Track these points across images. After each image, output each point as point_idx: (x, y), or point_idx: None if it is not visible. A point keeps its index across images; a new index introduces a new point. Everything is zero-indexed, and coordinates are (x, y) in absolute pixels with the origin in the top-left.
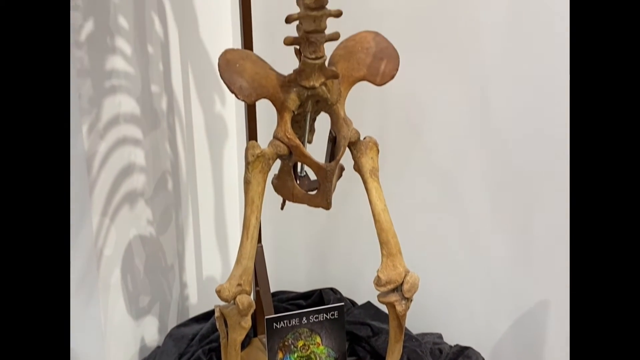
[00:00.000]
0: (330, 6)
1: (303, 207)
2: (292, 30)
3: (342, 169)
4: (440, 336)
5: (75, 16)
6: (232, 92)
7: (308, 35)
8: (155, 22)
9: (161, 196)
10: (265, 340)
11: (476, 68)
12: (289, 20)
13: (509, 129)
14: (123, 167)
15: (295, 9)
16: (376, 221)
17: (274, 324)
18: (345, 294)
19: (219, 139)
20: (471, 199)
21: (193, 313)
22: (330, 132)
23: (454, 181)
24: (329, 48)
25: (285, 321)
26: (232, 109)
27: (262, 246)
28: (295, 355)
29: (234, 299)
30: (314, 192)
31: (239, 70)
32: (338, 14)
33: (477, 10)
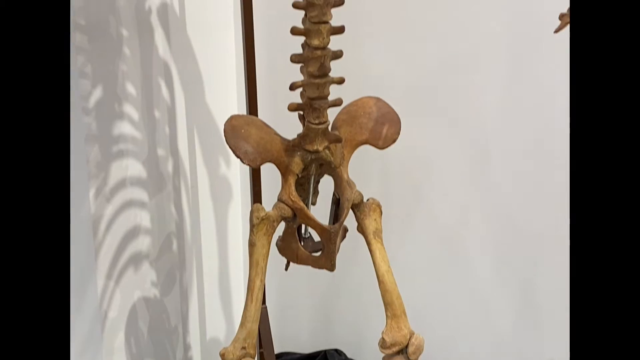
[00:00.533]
0: (333, 73)
1: (307, 268)
2: (296, 96)
3: (345, 230)
4: None
5: (83, 84)
6: (238, 157)
7: (312, 101)
8: (162, 87)
9: (166, 258)
10: None
11: (476, 130)
12: (293, 87)
13: (510, 188)
14: (129, 229)
15: (299, 76)
16: (380, 282)
17: None
18: (349, 355)
19: (223, 201)
20: (474, 258)
21: None
22: (334, 194)
23: (457, 241)
24: (331, 113)
25: None
26: (237, 170)
27: (266, 307)
28: None
29: None
30: (318, 254)
31: (245, 136)
32: (341, 81)
33: (476, 73)
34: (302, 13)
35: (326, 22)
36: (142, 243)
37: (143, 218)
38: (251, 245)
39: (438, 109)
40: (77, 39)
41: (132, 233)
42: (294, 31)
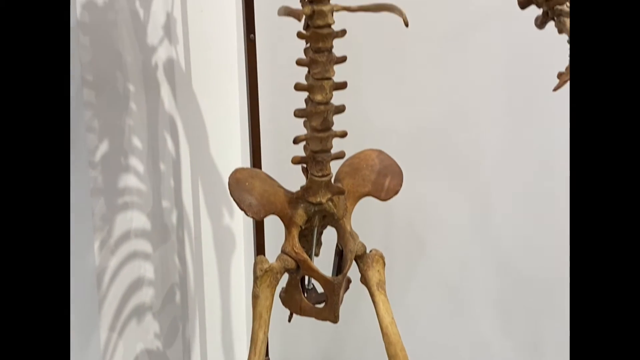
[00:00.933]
0: (335, 126)
1: (310, 320)
2: (299, 150)
3: (349, 281)
4: None
5: (90, 138)
6: (242, 209)
7: (315, 154)
8: (168, 141)
9: (168, 309)
10: None
11: (477, 181)
12: (296, 141)
13: (512, 239)
14: (132, 281)
15: (302, 129)
16: (384, 334)
17: None
18: None
19: (226, 252)
20: (478, 308)
21: None
22: (337, 245)
23: (460, 292)
24: (334, 165)
25: None
26: (240, 222)
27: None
28: None
29: None
30: (321, 305)
31: (249, 189)
32: (343, 135)
33: (477, 126)
34: (305, 68)
35: (329, 79)
36: (146, 295)
37: (147, 269)
38: (254, 297)
39: (439, 161)
40: (84, 94)
41: (136, 285)
42: (298, 87)
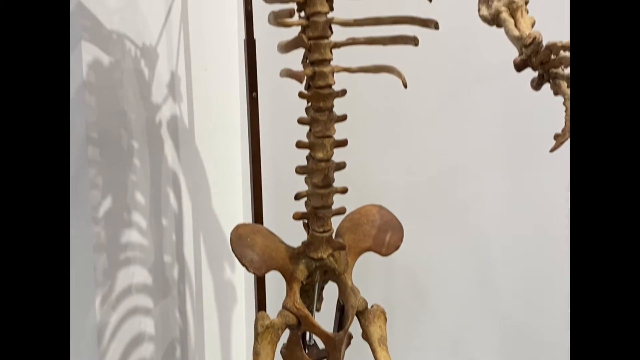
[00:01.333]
0: (336, 183)
1: None
2: (300, 205)
3: (350, 337)
4: None
5: (94, 195)
6: (244, 265)
7: (316, 210)
8: (170, 196)
9: None
10: None
11: (477, 235)
12: (298, 197)
13: (512, 293)
14: (133, 336)
15: (303, 185)
16: None
17: None
18: None
19: (227, 307)
20: None
21: None
22: (338, 301)
23: (462, 347)
24: (335, 220)
25: None
26: (242, 277)
27: None
28: None
29: None
30: None
31: (250, 244)
32: (344, 191)
33: (476, 180)
34: (307, 126)
35: (330, 137)
36: (146, 350)
37: (147, 324)
38: (256, 354)
39: (439, 216)
40: (89, 151)
41: (137, 340)
42: (299, 145)
